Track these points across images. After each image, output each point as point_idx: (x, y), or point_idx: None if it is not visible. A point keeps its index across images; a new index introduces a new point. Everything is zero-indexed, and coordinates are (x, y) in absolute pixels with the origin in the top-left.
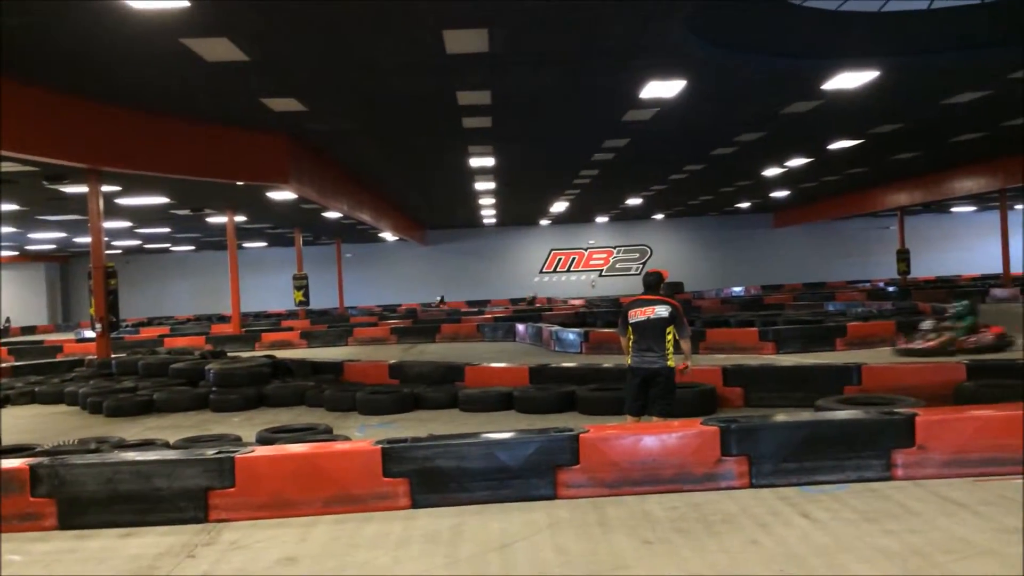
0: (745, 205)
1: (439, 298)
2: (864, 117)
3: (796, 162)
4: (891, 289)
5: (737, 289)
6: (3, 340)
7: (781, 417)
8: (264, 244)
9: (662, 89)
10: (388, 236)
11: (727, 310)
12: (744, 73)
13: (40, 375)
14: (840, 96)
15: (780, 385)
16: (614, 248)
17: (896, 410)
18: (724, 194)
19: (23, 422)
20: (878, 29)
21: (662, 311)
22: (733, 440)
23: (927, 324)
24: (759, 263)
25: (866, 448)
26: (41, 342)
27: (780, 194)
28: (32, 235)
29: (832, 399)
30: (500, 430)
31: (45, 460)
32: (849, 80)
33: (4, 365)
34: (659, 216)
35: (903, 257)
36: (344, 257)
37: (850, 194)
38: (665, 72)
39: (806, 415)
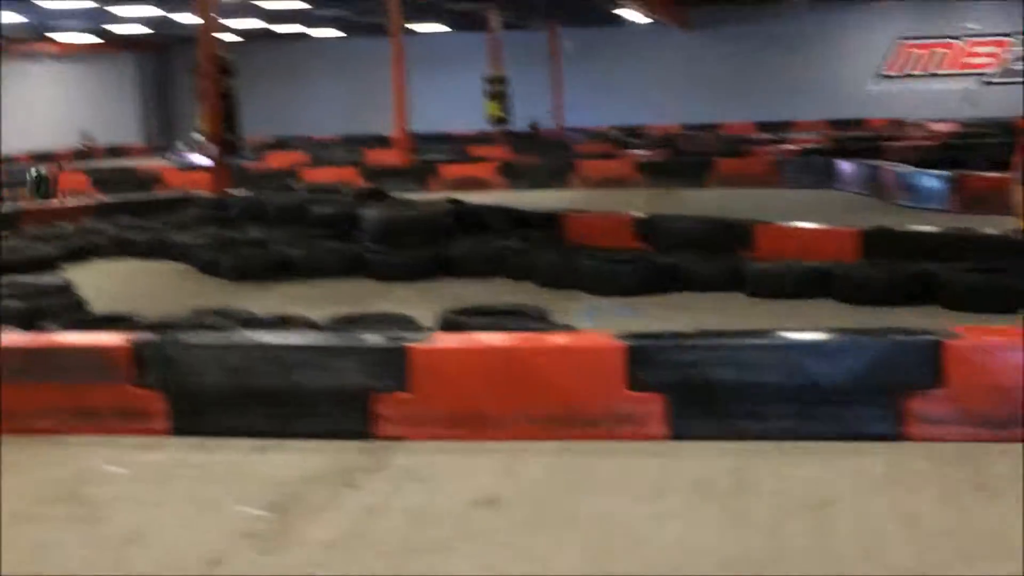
0: None
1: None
2: None
3: None
4: None
5: None
6: (85, 166)
7: None
8: (444, 29)
9: None
10: (632, 15)
11: None
12: None
13: (135, 216)
14: None
15: None
16: (1008, 37)
17: None
18: None
19: (116, 282)
20: None
21: None
22: None
23: None
24: None
25: None
26: (133, 169)
27: None
28: (115, 8)
29: None
30: (810, 328)
31: (151, 337)
32: None
33: (88, 202)
34: None
35: None
36: (563, 50)
37: None
38: None
39: None
